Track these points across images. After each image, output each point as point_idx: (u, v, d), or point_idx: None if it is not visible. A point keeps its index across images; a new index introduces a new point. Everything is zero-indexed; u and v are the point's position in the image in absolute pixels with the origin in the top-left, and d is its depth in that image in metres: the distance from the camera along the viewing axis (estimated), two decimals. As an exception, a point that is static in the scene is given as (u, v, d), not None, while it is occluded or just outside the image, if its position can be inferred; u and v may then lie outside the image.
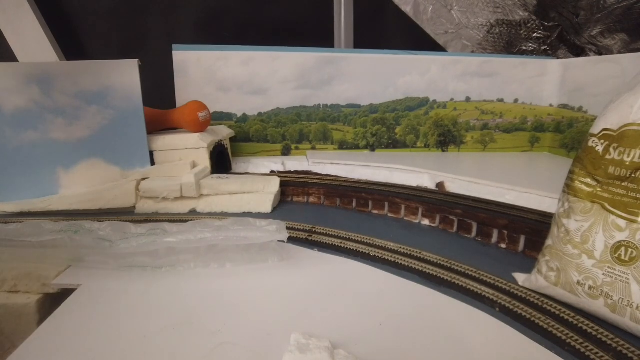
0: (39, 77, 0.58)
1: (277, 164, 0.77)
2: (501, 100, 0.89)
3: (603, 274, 0.32)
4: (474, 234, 0.52)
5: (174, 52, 0.77)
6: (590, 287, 0.33)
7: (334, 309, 0.36)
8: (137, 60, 0.60)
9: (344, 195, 0.62)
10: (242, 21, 1.00)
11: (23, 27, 0.84)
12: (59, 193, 0.63)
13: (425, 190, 0.63)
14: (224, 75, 0.80)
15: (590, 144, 0.34)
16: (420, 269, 0.42)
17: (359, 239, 0.49)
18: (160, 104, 0.73)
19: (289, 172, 0.75)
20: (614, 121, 0.33)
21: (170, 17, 0.99)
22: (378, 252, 0.46)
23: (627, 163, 0.31)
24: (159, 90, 0.79)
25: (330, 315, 0.35)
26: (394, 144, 0.89)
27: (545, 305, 0.35)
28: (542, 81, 0.88)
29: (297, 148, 0.86)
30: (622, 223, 0.31)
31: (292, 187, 0.66)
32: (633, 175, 0.31)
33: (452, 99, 0.87)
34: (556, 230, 0.36)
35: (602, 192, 0.33)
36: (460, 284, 0.39)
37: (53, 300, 0.41)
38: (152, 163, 0.63)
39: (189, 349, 0.30)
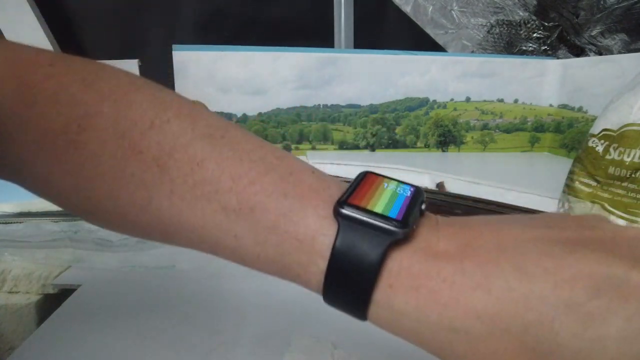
0: (39, 77, 0.58)
1: (277, 164, 0.77)
2: (501, 101, 0.89)
3: (603, 274, 0.32)
4: (474, 234, 0.51)
5: (174, 52, 0.77)
6: (590, 287, 0.33)
7: (334, 309, 0.36)
8: (137, 60, 0.60)
9: (344, 195, 0.62)
10: (242, 21, 1.00)
11: (23, 27, 0.84)
12: (59, 193, 0.63)
13: (425, 190, 0.63)
14: (224, 76, 0.80)
15: (590, 144, 0.34)
16: (420, 269, 0.42)
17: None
18: (160, 104, 0.73)
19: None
20: (614, 121, 0.33)
21: (170, 17, 0.99)
22: (378, 252, 0.46)
23: (627, 163, 0.31)
24: (159, 90, 0.79)
25: (330, 315, 0.35)
26: (394, 144, 0.89)
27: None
28: (542, 81, 0.88)
29: (297, 148, 0.86)
30: (622, 223, 0.31)
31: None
32: (633, 176, 0.31)
33: (452, 99, 0.87)
34: (556, 231, 0.36)
35: (602, 192, 0.33)
36: (460, 284, 0.39)
37: (53, 300, 0.41)
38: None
39: (189, 349, 0.30)
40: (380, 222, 0.16)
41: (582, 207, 0.34)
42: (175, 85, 0.78)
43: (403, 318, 0.16)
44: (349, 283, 0.16)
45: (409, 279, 0.15)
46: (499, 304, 0.14)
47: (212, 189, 0.18)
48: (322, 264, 0.17)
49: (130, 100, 0.19)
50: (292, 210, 0.17)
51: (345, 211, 0.16)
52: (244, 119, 0.83)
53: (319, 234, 0.17)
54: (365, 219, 0.16)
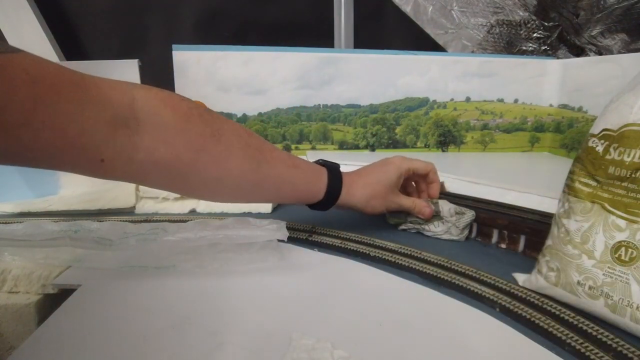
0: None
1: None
2: (501, 100, 0.89)
3: (603, 274, 0.32)
4: (474, 234, 0.52)
5: (174, 52, 0.77)
6: (590, 287, 0.33)
7: (333, 309, 0.36)
8: (137, 60, 0.60)
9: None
10: (242, 21, 1.00)
11: (23, 27, 0.84)
12: (59, 193, 0.64)
13: (425, 190, 0.63)
14: (224, 75, 0.80)
15: (590, 144, 0.34)
16: (420, 269, 0.42)
17: (359, 239, 0.49)
18: (160, 104, 0.73)
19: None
20: (614, 121, 0.33)
21: (170, 17, 0.99)
22: (378, 252, 0.46)
23: (627, 163, 0.31)
24: (159, 90, 0.79)
25: (330, 315, 0.35)
26: (394, 144, 0.89)
27: (545, 306, 0.36)
28: (542, 81, 0.88)
29: (297, 148, 0.86)
30: (622, 223, 0.31)
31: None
32: (633, 176, 0.31)
33: (452, 99, 0.87)
34: (556, 231, 0.36)
35: (602, 192, 0.33)
36: (460, 284, 0.40)
37: (53, 300, 0.41)
38: (152, 163, 0.63)
39: (189, 349, 0.30)
40: (337, 166, 0.49)
41: (582, 207, 0.34)
42: (175, 85, 0.78)
43: (344, 199, 0.48)
44: (333, 190, 0.47)
45: (345, 186, 0.48)
46: (358, 187, 0.49)
47: (283, 161, 0.43)
48: (324, 184, 0.46)
49: (249, 134, 0.43)
50: (312, 167, 0.47)
51: (328, 164, 0.49)
52: (243, 119, 0.83)
53: (323, 172, 0.47)
54: (334, 165, 0.49)
